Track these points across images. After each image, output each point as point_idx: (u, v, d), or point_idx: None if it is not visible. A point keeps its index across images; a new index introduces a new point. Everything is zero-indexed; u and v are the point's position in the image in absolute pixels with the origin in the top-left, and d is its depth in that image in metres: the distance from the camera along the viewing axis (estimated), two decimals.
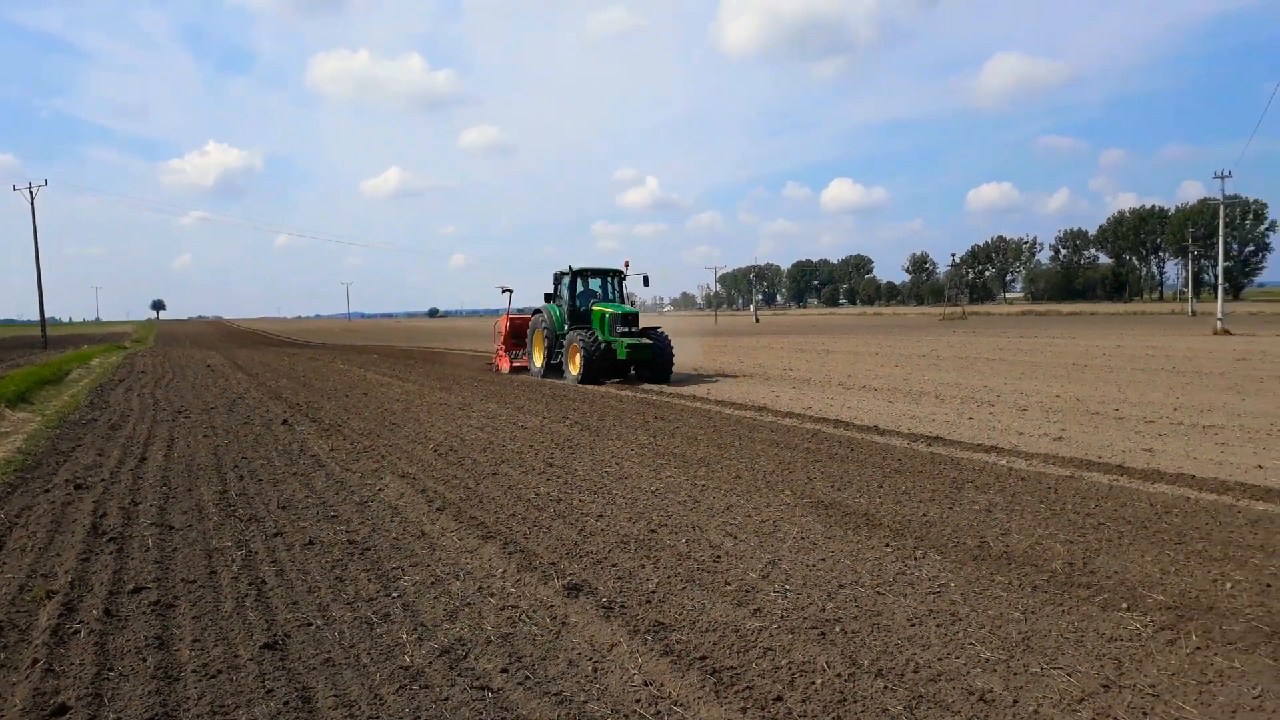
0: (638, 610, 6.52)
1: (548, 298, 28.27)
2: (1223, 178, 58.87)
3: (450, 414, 17.88)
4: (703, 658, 5.67)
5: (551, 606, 6.66)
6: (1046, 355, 33.83)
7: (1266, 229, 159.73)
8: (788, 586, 7.00)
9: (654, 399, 20.62)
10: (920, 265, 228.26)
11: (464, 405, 19.40)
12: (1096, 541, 8.24)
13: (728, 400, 20.14)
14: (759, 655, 5.70)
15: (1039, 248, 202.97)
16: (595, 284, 27.96)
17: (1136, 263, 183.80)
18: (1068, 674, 5.35)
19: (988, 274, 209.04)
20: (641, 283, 28.16)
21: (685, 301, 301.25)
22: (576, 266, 27.37)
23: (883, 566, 7.52)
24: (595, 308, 26.42)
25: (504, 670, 5.58)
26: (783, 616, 6.35)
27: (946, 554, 7.88)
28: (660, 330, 26.19)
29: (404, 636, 6.17)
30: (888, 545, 8.13)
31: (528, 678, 5.47)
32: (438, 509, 9.68)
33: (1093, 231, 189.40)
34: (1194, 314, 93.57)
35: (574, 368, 25.04)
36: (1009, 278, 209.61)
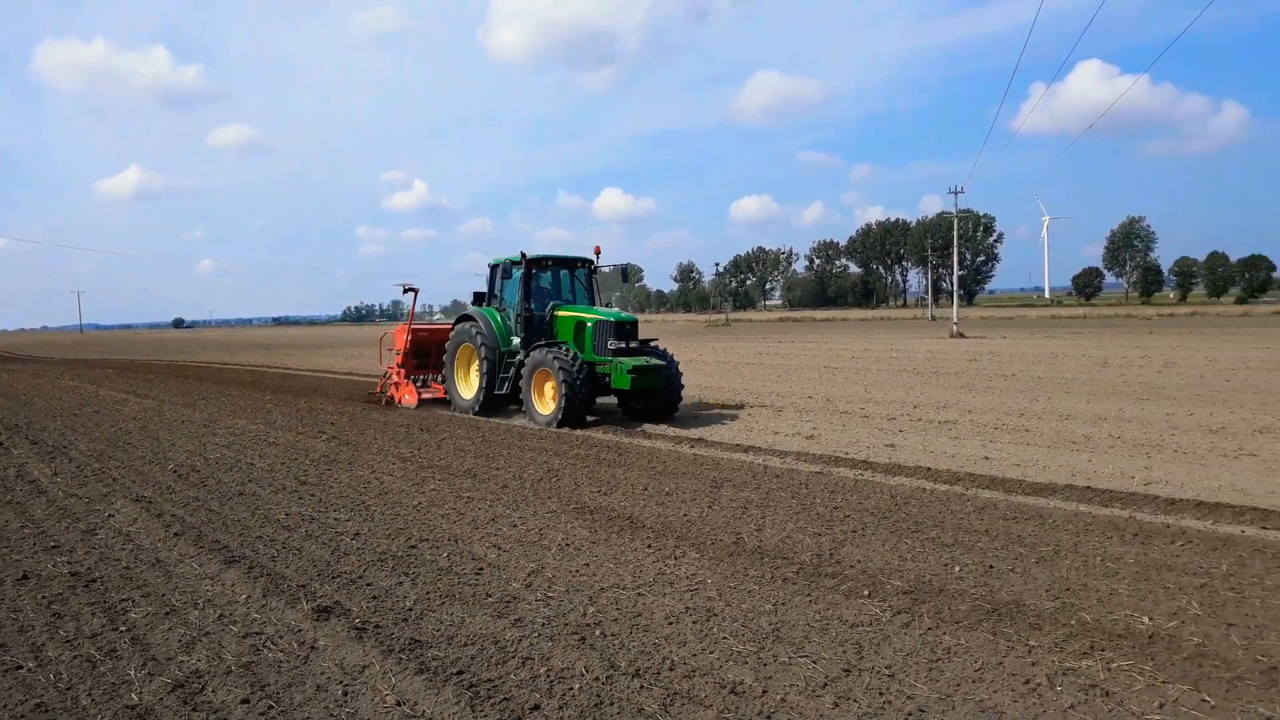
0: (393, 629, 6.26)
1: (479, 299, 20.33)
2: (956, 193, 64.13)
3: (194, 432, 16.66)
4: (460, 672, 5.51)
5: (300, 631, 6.29)
6: (801, 359, 35.73)
7: (995, 240, 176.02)
8: (550, 594, 6.94)
9: (420, 411, 20.10)
10: (687, 274, 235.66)
11: (209, 422, 18.15)
12: (843, 533, 8.69)
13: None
14: (518, 665, 5.60)
15: (795, 257, 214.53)
16: (548, 278, 19.68)
17: (883, 271, 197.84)
18: (813, 661, 5.58)
19: (749, 282, 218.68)
20: (620, 277, 21.00)
21: (457, 309, 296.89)
22: (531, 254, 18.85)
23: (644, 568, 7.61)
24: (562, 313, 18.58)
25: (245, 701, 5.20)
26: (544, 624, 6.29)
27: (705, 551, 8.08)
28: (656, 343, 18.78)
29: (132, 673, 5.64)
30: (650, 546, 8.24)
31: (271, 707, 5.12)
32: (175, 534, 8.96)
33: (844, 242, 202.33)
34: (934, 319, 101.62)
35: (543, 404, 17.30)
36: (768, 286, 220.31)
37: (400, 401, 21.12)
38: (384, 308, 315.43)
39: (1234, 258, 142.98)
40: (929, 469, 11.88)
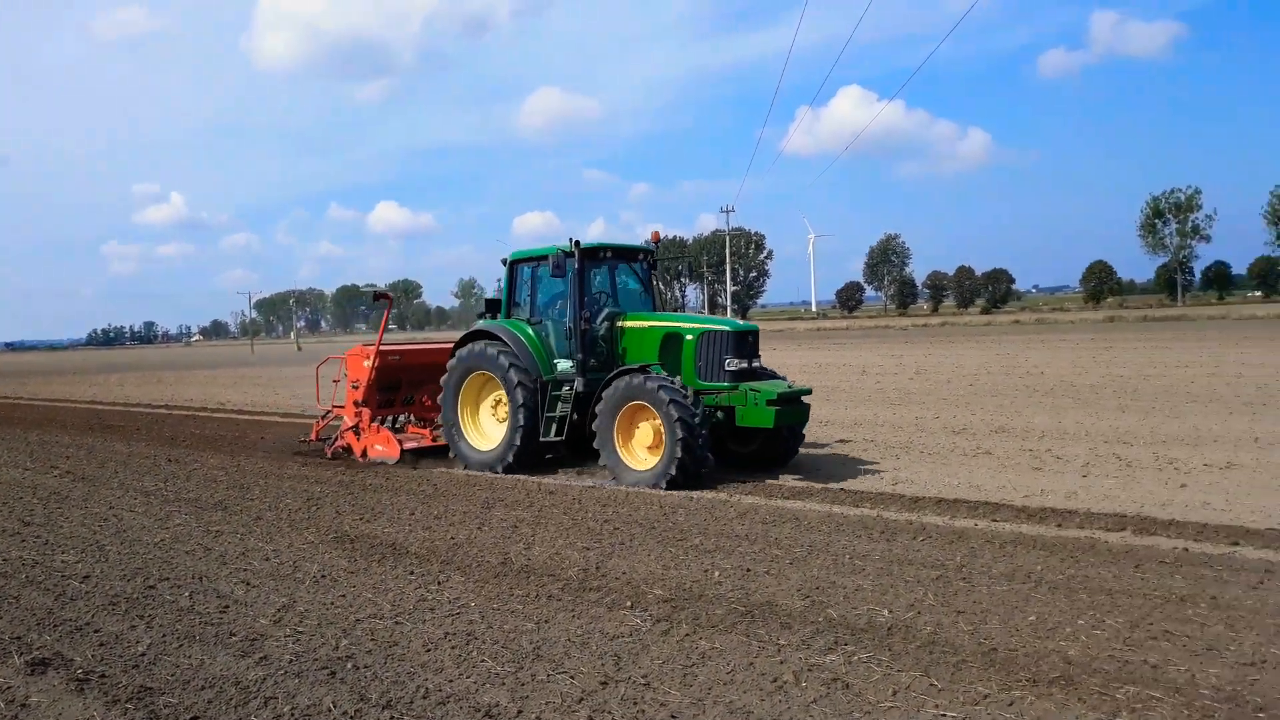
0: (120, 677, 5.74)
1: (490, 307, 14.99)
2: (728, 212, 66.96)
3: None
4: (194, 718, 5.11)
5: (9, 688, 5.65)
6: None
7: (765, 257, 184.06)
8: (301, 629, 6.58)
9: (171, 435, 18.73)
10: (469, 290, 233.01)
11: None
12: (610, 545, 8.75)
13: (264, 421, 18.88)
14: (259, 706, 5.25)
15: None
16: (602, 276, 14.26)
17: (663, 287, 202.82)
18: (571, 677, 5.54)
19: None
20: (687, 273, 16.62)
21: (217, 330, 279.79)
22: (586, 242, 13.44)
23: (405, 595, 7.35)
24: (632, 323, 13.42)
25: None
26: (291, 661, 5.94)
27: (470, 574, 7.91)
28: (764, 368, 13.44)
29: None
30: (412, 573, 7.99)
31: None
32: None
33: None
34: None
35: (635, 454, 12.30)
36: None
37: (370, 454, 14.87)
38: (135, 329, 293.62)
39: (979, 271, 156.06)
40: None
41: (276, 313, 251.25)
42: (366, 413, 15.18)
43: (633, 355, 13.17)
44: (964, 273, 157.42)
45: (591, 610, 6.85)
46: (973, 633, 6.14)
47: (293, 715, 5.12)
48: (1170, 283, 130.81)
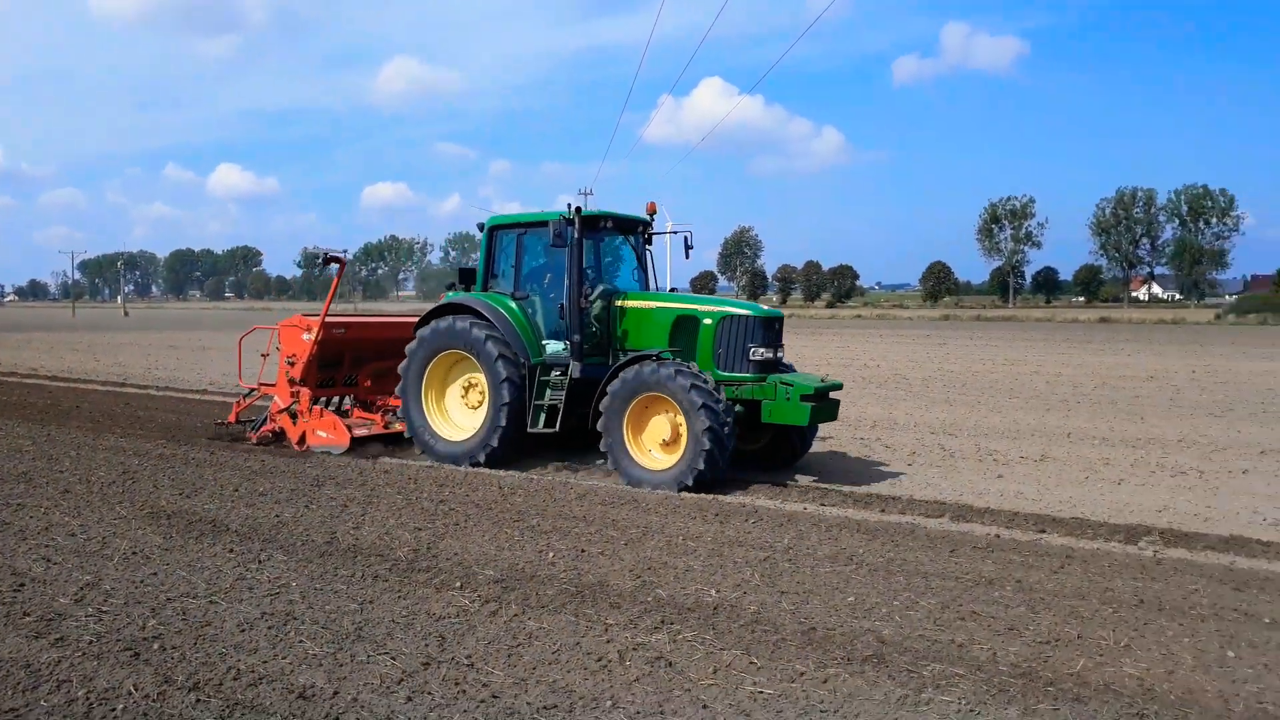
0: None
1: (465, 278, 13.17)
2: (586, 195, 66.44)
3: None
4: None
5: None
6: None
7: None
8: (105, 609, 6.19)
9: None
10: (312, 260, 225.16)
11: None
12: (444, 526, 8.60)
13: (82, 389, 17.73)
14: (51, 690, 4.91)
15: (430, 248, 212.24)
16: (590, 249, 12.64)
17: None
18: (393, 657, 5.41)
19: (380, 271, 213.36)
20: (683, 250, 13.35)
21: (35, 290, 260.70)
22: (588, 209, 12.25)
23: (222, 573, 7.02)
24: (634, 303, 12.01)
25: None
26: (91, 642, 5.58)
27: (294, 553, 7.63)
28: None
29: None
30: (231, 551, 7.64)
31: None
32: None
33: (480, 236, 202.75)
34: None
35: (646, 451, 10.97)
36: (401, 276, 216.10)
37: (310, 441, 12.87)
38: None
39: (826, 267, 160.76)
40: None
41: (103, 275, 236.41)
42: (306, 393, 13.10)
43: (635, 339, 11.80)
44: (812, 267, 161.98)
45: (419, 591, 6.71)
46: (794, 612, 6.31)
47: (89, 700, 4.81)
48: (1003, 285, 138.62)
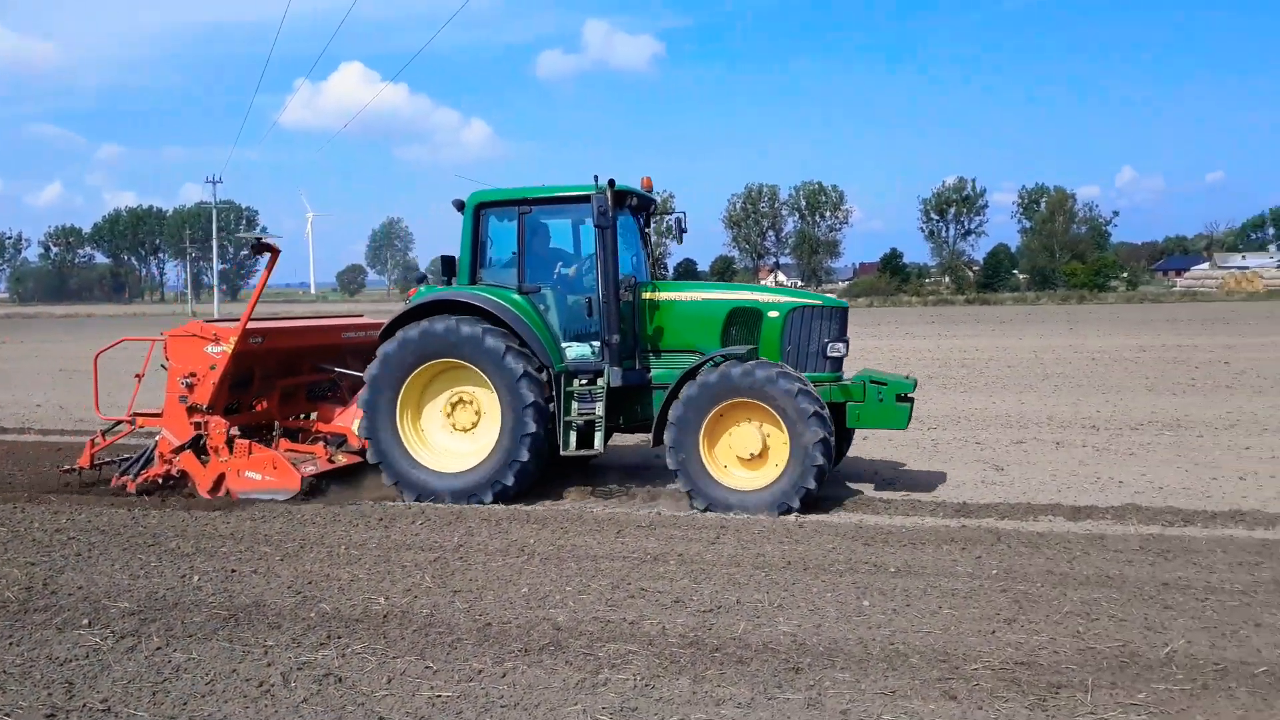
0: None
1: (447, 268, 10.61)
2: (215, 183, 62.02)
3: None
4: None
5: None
6: (38, 361, 31.24)
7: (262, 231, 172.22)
8: None
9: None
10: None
11: None
12: (63, 558, 7.58)
13: None
14: None
15: (26, 244, 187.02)
16: (559, 228, 11.11)
17: (136, 263, 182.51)
18: (6, 715, 4.66)
19: None
20: (676, 231, 12.13)
21: None
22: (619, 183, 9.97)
23: None
24: (665, 295, 10.34)
25: None
26: None
27: None
28: None
29: None
30: None
31: None
32: None
33: (88, 229, 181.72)
34: (194, 314, 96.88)
35: (731, 475, 9.26)
36: None
37: (235, 486, 9.95)
38: None
39: None
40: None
41: None
42: (220, 423, 10.03)
43: (675, 337, 10.12)
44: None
45: (37, 634, 5.85)
46: (468, 610, 6.20)
47: None
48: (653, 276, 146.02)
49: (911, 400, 9.73)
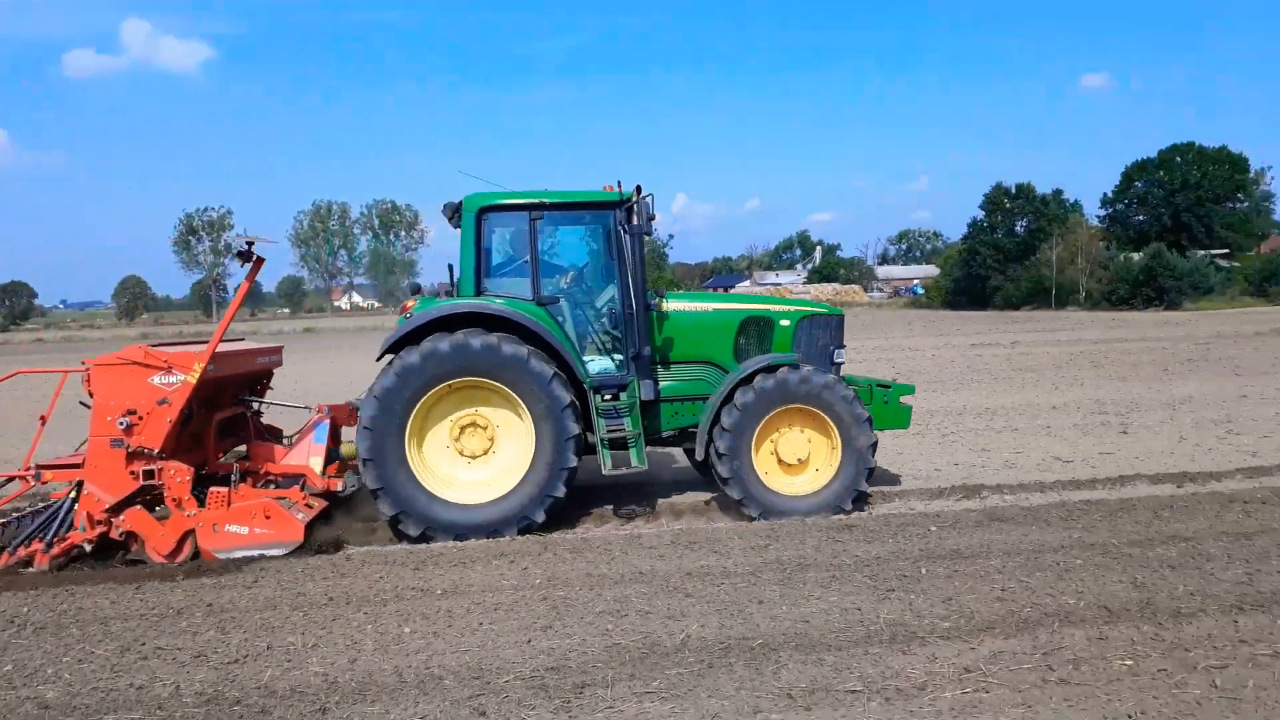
0: None
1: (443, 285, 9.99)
2: None
3: None
4: None
5: None
6: None
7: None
8: None
9: None
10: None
11: None
12: None
13: None
14: None
15: None
16: (571, 235, 10.40)
17: None
18: None
19: None
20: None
21: None
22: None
23: None
24: (674, 305, 9.94)
25: None
26: None
27: None
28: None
29: None
30: None
31: None
32: None
33: None
34: None
35: (772, 474, 9.18)
36: None
37: (212, 546, 8.11)
38: None
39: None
40: None
41: None
42: (185, 470, 8.28)
43: (688, 347, 9.85)
44: None
45: None
46: None
47: None
48: (205, 299, 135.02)
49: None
